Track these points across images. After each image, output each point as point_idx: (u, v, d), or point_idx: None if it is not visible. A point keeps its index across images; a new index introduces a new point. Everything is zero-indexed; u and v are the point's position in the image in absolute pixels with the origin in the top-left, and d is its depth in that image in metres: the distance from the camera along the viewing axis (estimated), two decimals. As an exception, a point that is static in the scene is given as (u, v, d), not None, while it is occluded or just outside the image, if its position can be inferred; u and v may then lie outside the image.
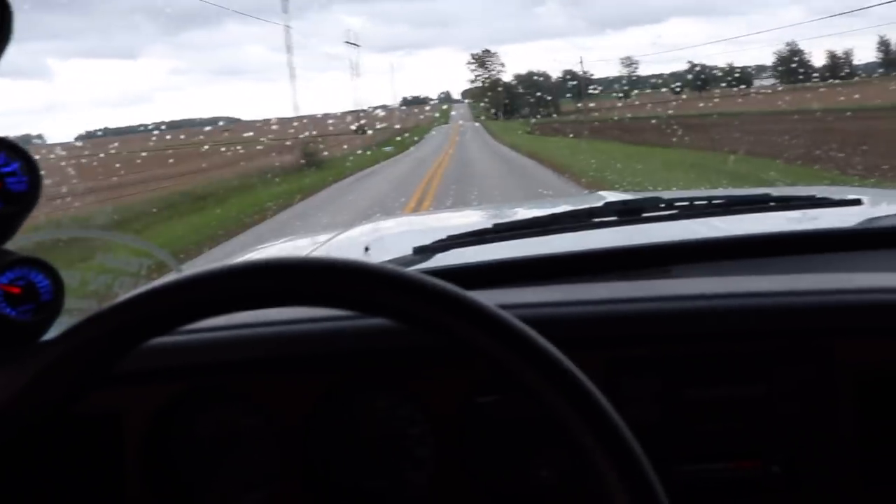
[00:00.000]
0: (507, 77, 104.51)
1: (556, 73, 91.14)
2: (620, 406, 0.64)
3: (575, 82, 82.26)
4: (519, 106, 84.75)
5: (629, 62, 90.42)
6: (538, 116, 70.50)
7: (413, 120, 77.80)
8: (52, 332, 1.05)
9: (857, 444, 1.00)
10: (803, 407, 1.00)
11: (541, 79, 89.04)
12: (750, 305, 1.03)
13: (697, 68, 74.52)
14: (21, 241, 1.01)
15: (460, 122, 78.68)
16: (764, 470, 1.01)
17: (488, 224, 1.55)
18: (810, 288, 1.06)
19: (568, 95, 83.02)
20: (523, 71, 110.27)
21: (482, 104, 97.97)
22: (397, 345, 1.00)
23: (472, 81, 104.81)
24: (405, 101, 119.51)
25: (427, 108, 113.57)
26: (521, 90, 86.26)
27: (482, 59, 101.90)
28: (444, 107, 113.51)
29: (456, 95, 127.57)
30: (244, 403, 1.04)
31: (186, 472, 1.04)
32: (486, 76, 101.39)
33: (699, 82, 72.38)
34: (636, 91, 77.45)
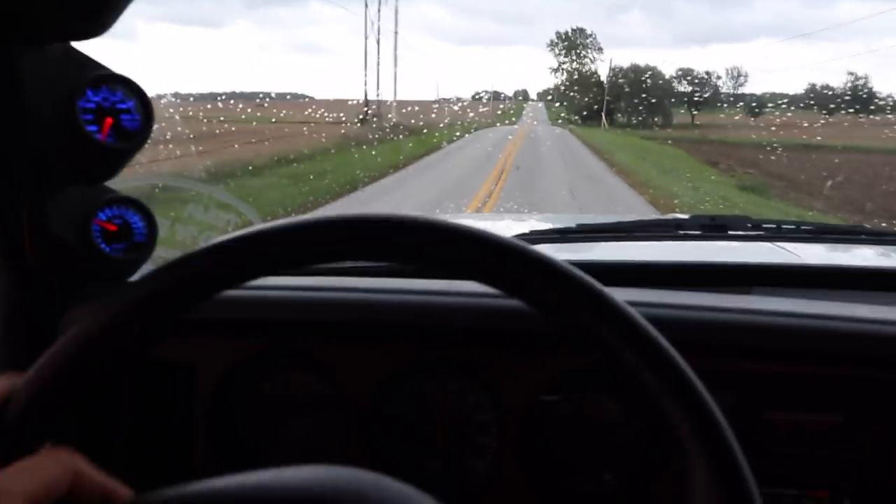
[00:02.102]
0: (602, 70, 79.24)
1: (667, 73, 71.38)
2: None
3: (694, 88, 65.79)
4: (613, 110, 62.48)
5: (737, 73, 71.17)
6: (656, 127, 54.11)
7: (473, 114, 61.00)
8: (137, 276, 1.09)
9: None
10: (880, 442, 0.97)
11: (648, 77, 63.63)
12: (833, 328, 0.99)
13: (828, 90, 60.53)
14: (120, 183, 1.05)
15: (534, 122, 62.62)
16: (834, 502, 0.97)
17: (571, 225, 1.53)
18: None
19: (672, 100, 63.80)
20: (623, 63, 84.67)
21: (564, 104, 73.87)
22: (475, 327, 1.00)
23: (555, 70, 77.72)
24: (476, 96, 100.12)
25: (500, 104, 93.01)
26: (626, 88, 61.82)
27: (572, 41, 75.35)
28: (513, 105, 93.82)
29: (533, 95, 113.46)
30: (318, 369, 1.05)
31: (251, 429, 1.06)
32: (576, 64, 75.25)
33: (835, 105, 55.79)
34: (769, 106, 60.63)
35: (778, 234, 1.53)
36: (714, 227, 1.51)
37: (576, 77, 73.63)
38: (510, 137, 32.15)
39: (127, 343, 0.55)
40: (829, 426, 0.97)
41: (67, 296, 1.02)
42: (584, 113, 64.60)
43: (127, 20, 0.84)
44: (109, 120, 0.90)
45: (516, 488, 1.01)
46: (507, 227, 1.93)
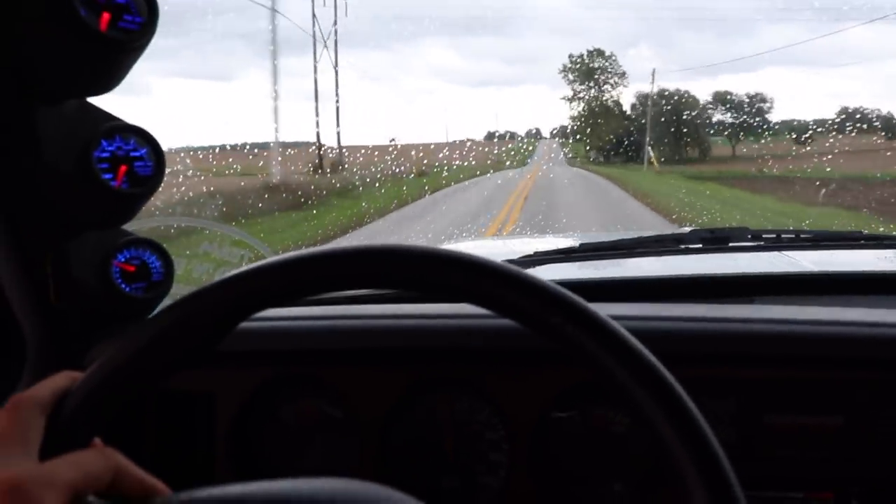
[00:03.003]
0: (626, 98, 71.91)
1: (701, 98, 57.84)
2: None
3: (734, 114, 55.51)
4: (640, 144, 51.28)
5: (760, 100, 58.59)
6: (690, 161, 47.84)
7: (475, 157, 49.31)
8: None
9: None
10: (882, 442, 0.98)
11: (683, 101, 54.96)
12: (833, 333, 1.01)
13: (862, 114, 50.82)
14: (136, 225, 1.11)
15: (550, 163, 52.46)
16: (839, 503, 0.99)
17: (574, 245, 1.57)
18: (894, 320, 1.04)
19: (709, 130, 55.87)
20: (647, 88, 64.38)
21: (585, 140, 61.68)
22: (482, 348, 1.03)
23: (570, 100, 64.16)
24: (489, 136, 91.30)
25: (506, 142, 78.84)
26: (661, 118, 51.91)
27: (588, 66, 62.68)
28: (520, 143, 76.52)
29: (545, 133, 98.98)
30: (330, 394, 1.09)
31: (269, 454, 1.10)
32: (595, 91, 62.61)
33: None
34: (812, 129, 51.75)
35: (778, 243, 1.55)
36: (714, 241, 1.53)
37: (596, 107, 61.21)
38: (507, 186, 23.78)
39: (168, 359, 0.61)
40: (831, 428, 0.99)
41: (91, 335, 1.08)
42: (609, 149, 57.19)
43: (141, 76, 0.90)
44: (124, 168, 0.96)
45: (528, 502, 1.04)
46: (513, 250, 1.97)
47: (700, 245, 1.53)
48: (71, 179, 0.95)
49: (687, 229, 1.63)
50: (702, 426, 0.61)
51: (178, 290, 1.16)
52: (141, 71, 0.88)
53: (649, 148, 45.40)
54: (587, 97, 63.25)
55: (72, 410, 0.59)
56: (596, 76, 62.99)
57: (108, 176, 0.95)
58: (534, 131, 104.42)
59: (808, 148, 46.66)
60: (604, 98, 62.61)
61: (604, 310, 1.13)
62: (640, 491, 1.03)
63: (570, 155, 66.98)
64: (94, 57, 0.83)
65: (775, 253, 1.54)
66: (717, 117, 58.31)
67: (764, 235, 1.56)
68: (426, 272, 0.62)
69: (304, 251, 0.63)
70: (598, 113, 59.98)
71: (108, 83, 0.89)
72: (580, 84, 63.71)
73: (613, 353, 0.63)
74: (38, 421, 0.57)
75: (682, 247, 1.54)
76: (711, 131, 57.38)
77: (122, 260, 1.07)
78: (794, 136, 53.56)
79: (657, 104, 53.62)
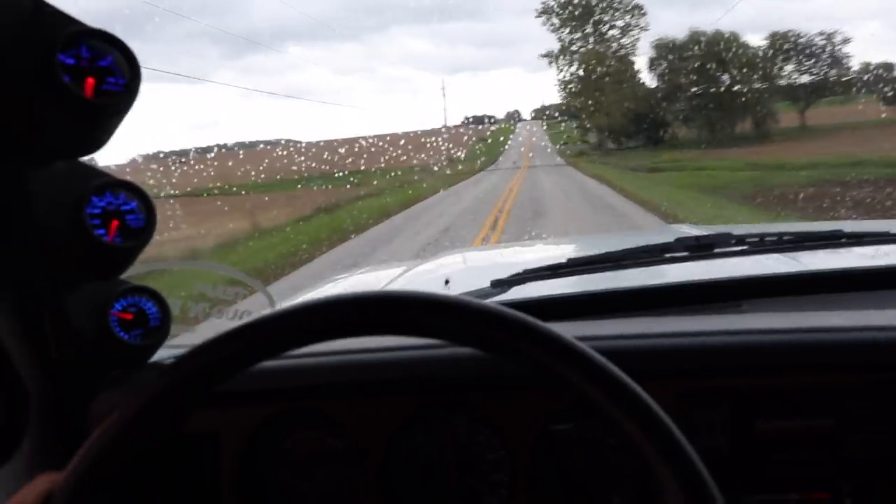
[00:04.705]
0: (641, 49, 45.69)
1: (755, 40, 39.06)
2: (691, 435, 0.68)
3: (802, 65, 35.53)
4: (664, 120, 36.15)
5: (841, 40, 37.59)
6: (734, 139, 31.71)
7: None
8: (157, 356, 1.16)
9: None
10: (873, 441, 1.01)
11: (727, 49, 35.32)
12: (818, 340, 1.04)
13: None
14: (132, 271, 1.13)
15: (530, 160, 36.66)
16: (834, 503, 1.01)
17: (562, 258, 1.59)
18: (880, 324, 1.06)
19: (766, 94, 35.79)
20: (674, 32, 43.73)
21: (581, 120, 42.11)
22: (477, 373, 1.06)
23: (557, 58, 41.83)
24: (468, 121, 78.71)
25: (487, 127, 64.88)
26: (692, 76, 34.62)
27: (585, 1, 40.99)
28: (488, 135, 56.08)
29: (526, 115, 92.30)
30: (330, 426, 1.11)
31: (276, 488, 1.13)
32: (597, 41, 40.62)
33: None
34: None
35: (762, 246, 1.58)
36: (699, 248, 1.56)
37: (598, 66, 39.28)
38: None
39: (158, 426, 0.63)
40: (822, 430, 1.02)
41: (92, 383, 1.10)
42: (618, 130, 38.15)
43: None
44: (115, 222, 0.98)
45: None
46: (501, 262, 2.00)
47: (686, 253, 1.56)
48: (64, 235, 0.97)
49: (672, 237, 1.66)
50: (674, 433, 0.64)
51: (176, 331, 1.19)
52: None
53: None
54: (583, 50, 40.84)
55: None
56: (596, 16, 40.93)
57: (100, 231, 0.97)
58: (514, 114, 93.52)
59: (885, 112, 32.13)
60: (610, 50, 40.68)
61: (593, 328, 1.16)
62: (637, 502, 1.06)
63: (562, 143, 46.46)
64: (82, 122, 0.86)
65: (760, 256, 1.56)
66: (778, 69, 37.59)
67: (748, 239, 1.59)
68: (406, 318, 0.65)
69: (303, 302, 0.66)
70: (601, 74, 39.57)
71: (95, 144, 0.91)
72: (572, 31, 40.96)
73: (579, 371, 0.65)
74: None
75: (669, 255, 1.57)
76: (766, 94, 36.78)
77: (119, 308, 1.10)
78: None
79: (687, 56, 35.24)
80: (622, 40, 40.92)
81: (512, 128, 68.43)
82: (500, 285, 1.48)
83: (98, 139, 0.91)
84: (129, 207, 1.00)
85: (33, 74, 0.81)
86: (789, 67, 37.82)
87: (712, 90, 35.39)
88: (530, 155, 41.87)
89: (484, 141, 49.54)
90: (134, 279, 1.14)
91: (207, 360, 0.63)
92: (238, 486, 1.10)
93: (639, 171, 26.20)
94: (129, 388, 1.10)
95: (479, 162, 37.64)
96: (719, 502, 0.62)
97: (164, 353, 1.17)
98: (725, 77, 35.59)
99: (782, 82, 37.81)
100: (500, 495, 1.08)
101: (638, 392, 0.65)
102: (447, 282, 1.71)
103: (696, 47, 36.00)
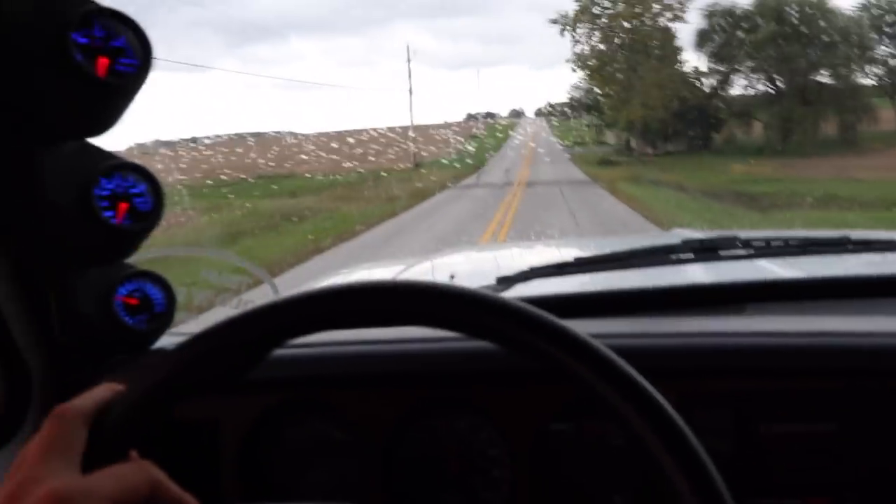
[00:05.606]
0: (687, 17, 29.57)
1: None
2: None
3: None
4: (715, 122, 27.41)
5: None
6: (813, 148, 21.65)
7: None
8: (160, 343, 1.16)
9: None
10: (876, 447, 1.01)
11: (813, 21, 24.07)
12: (824, 344, 1.04)
13: None
14: (137, 256, 1.13)
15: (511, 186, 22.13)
16: None
17: (567, 258, 1.59)
18: (886, 329, 1.06)
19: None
20: None
21: (595, 115, 32.81)
22: (479, 369, 1.05)
23: (572, 27, 28.93)
24: (469, 117, 77.02)
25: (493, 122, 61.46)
26: (760, 55, 24.63)
27: None
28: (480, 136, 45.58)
29: (529, 113, 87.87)
30: (333, 417, 1.11)
31: (276, 478, 1.12)
32: (625, 6, 27.86)
33: None
34: None
35: (767, 250, 1.57)
36: (705, 250, 1.55)
37: (627, 38, 28.30)
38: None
39: (209, 376, 0.62)
40: (825, 435, 1.01)
41: (96, 367, 1.10)
42: (655, 130, 28.09)
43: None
44: (124, 205, 0.98)
45: None
46: (508, 263, 2.00)
47: (691, 255, 1.55)
48: (73, 217, 0.97)
49: (678, 240, 1.66)
50: (686, 435, 0.63)
51: (180, 318, 1.18)
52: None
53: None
54: (607, 17, 28.83)
55: (114, 423, 0.60)
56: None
57: (109, 213, 0.97)
58: (518, 111, 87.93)
59: None
60: (643, 17, 28.22)
61: (598, 326, 1.16)
62: (639, 502, 1.05)
63: (570, 142, 37.32)
64: (93, 101, 0.85)
65: (765, 260, 1.56)
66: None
67: (753, 243, 1.58)
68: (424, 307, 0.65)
69: (312, 289, 0.66)
70: (637, 42, 28.23)
71: (106, 125, 0.91)
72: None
73: (591, 367, 0.65)
74: (80, 432, 0.58)
75: (674, 257, 1.56)
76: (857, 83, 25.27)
77: (125, 293, 1.09)
78: None
79: (753, 27, 24.64)
80: (657, 6, 28.37)
81: (508, 131, 55.74)
82: (506, 282, 1.48)
83: (108, 120, 0.91)
84: (138, 190, 1.00)
85: (46, 52, 0.81)
86: (886, 49, 25.43)
87: (789, 76, 24.84)
88: (532, 154, 33.33)
89: (473, 138, 39.36)
90: (139, 264, 1.14)
91: (270, 318, 0.63)
92: (238, 475, 1.10)
93: (722, 198, 17.66)
94: (132, 372, 1.10)
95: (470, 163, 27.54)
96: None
97: (167, 340, 1.17)
98: (805, 58, 23.92)
99: (878, 70, 26.03)
100: (499, 491, 1.07)
101: (655, 396, 0.65)
102: (452, 276, 1.71)
103: (766, 16, 25.19)
